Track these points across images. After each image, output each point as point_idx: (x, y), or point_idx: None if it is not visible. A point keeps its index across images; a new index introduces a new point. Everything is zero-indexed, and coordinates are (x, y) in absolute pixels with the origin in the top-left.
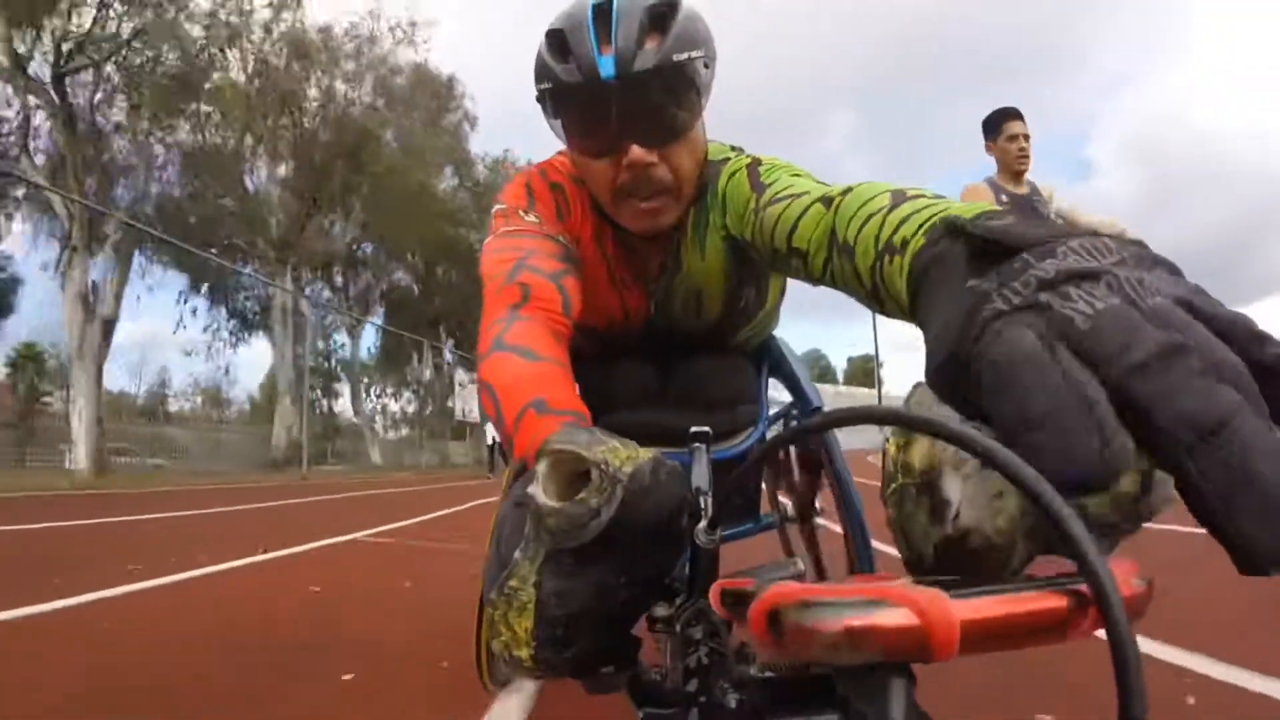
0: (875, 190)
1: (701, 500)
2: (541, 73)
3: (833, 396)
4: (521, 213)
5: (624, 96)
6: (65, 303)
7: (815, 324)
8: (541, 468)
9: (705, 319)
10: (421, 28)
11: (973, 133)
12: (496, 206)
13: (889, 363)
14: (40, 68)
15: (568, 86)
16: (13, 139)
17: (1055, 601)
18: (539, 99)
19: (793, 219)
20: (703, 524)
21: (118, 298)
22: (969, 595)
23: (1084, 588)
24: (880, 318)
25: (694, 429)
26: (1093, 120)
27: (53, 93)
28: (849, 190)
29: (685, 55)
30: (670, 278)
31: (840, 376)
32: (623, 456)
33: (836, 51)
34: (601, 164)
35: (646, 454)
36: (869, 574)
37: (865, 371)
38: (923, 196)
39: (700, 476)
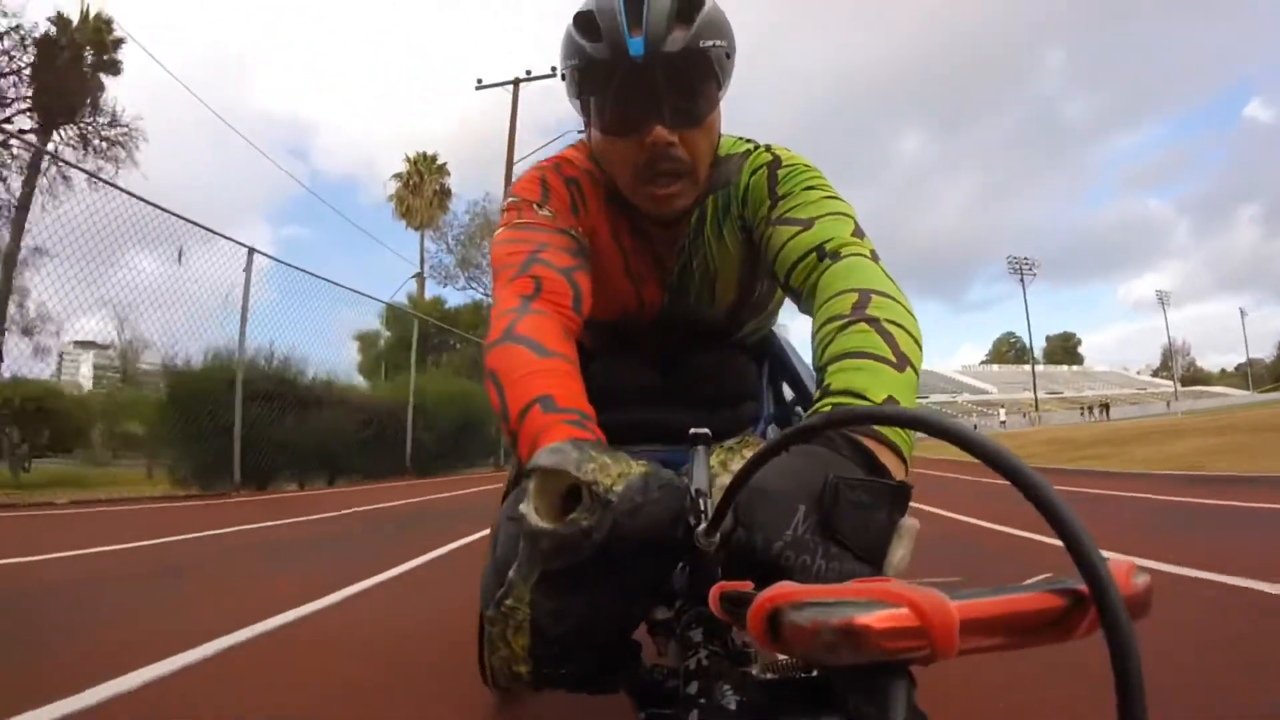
0: (847, 284)
1: (701, 502)
2: (570, 50)
3: (1026, 376)
4: (535, 206)
5: (652, 76)
6: None
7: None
8: (532, 485)
9: (718, 308)
10: None
11: (1199, 60)
12: (509, 199)
13: (1086, 340)
14: None
15: (597, 64)
16: None
17: (1055, 601)
18: (564, 76)
19: (789, 262)
20: (702, 527)
21: None
22: (969, 595)
23: (1084, 587)
24: (1032, 300)
25: (694, 430)
26: None
27: None
28: (836, 258)
29: (711, 43)
30: (687, 261)
31: (1040, 355)
32: (614, 474)
33: None
34: (624, 143)
35: (639, 468)
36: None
37: (1065, 349)
38: (867, 331)
39: (700, 479)
